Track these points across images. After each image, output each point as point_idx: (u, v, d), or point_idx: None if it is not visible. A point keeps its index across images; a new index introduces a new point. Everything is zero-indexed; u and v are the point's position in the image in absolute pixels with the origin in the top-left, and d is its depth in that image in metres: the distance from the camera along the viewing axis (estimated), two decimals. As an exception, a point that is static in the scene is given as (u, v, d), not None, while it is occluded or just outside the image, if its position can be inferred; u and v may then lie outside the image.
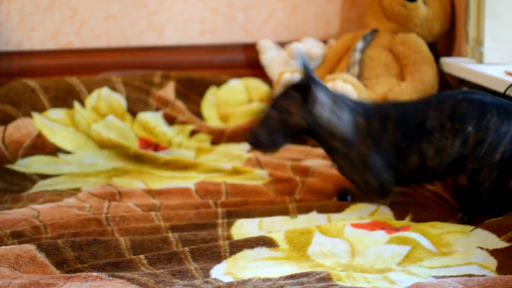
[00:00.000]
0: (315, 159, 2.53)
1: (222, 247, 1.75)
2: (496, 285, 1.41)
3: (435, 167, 2.00)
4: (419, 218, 2.01)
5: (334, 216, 1.99)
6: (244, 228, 1.91)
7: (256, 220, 1.95)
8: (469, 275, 1.58)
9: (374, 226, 1.88)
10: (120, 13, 3.11)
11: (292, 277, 1.57)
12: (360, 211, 2.04)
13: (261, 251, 1.75)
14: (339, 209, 2.04)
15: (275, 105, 2.02)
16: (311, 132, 2.03)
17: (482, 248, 1.72)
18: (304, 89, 2.00)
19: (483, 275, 1.58)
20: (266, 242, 1.78)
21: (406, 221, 1.98)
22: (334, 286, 1.51)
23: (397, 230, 1.84)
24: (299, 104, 2.00)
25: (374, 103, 2.16)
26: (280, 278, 1.57)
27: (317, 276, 1.55)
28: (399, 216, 2.04)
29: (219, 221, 1.94)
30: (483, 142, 1.95)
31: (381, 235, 1.80)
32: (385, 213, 2.05)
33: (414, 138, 1.99)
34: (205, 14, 3.16)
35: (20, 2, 3.05)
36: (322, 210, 2.05)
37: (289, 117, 2.00)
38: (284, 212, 2.05)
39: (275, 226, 1.93)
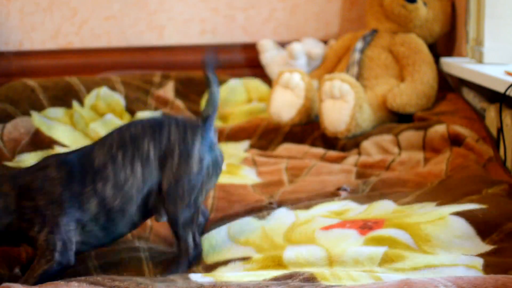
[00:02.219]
0: (313, 159, 2.53)
1: (196, 270, 1.72)
2: (486, 283, 1.39)
3: (122, 206, 1.70)
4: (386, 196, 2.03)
5: (301, 214, 1.95)
6: (213, 240, 1.88)
7: (225, 228, 1.91)
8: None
9: (343, 224, 1.84)
10: (120, 13, 3.11)
11: (276, 278, 1.55)
12: (327, 207, 2.01)
13: (235, 266, 1.71)
14: (307, 207, 2.01)
15: None
16: None
17: (466, 255, 1.69)
18: None
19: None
20: (238, 258, 1.75)
21: (376, 212, 1.95)
22: (320, 285, 1.48)
23: (371, 228, 1.81)
24: None
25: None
26: (263, 280, 1.54)
27: (301, 277, 1.53)
28: (367, 200, 2.04)
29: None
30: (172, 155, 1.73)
31: (355, 238, 1.76)
32: (351, 205, 2.02)
33: (85, 181, 1.69)
34: (205, 14, 3.16)
35: (20, 2, 3.05)
36: (292, 208, 2.02)
37: None
38: (258, 214, 1.99)
39: (243, 229, 1.89)
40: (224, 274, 1.63)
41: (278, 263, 1.70)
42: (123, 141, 1.72)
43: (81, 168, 1.69)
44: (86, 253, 1.77)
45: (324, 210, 1.98)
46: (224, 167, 2.50)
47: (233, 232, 1.89)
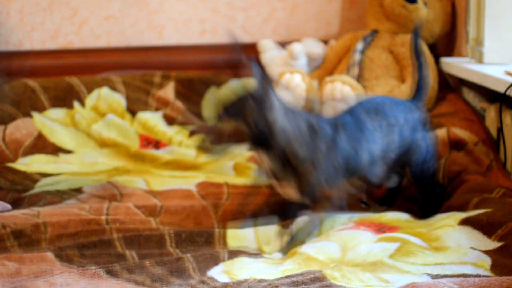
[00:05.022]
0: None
1: (221, 253, 1.76)
2: (491, 286, 1.41)
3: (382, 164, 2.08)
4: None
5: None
6: (239, 237, 1.92)
7: (251, 230, 1.96)
8: (464, 275, 1.57)
9: (357, 226, 1.88)
10: (120, 13, 3.11)
11: (287, 277, 1.57)
12: (350, 214, 2.06)
13: (257, 258, 1.77)
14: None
15: (228, 111, 1.92)
16: (263, 141, 1.92)
17: (475, 249, 1.71)
18: (259, 95, 1.90)
19: (477, 275, 1.57)
20: (261, 255, 1.81)
21: (391, 218, 1.98)
22: (329, 286, 1.50)
23: (384, 232, 1.83)
24: (254, 110, 1.89)
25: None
26: (275, 279, 1.57)
27: (311, 276, 1.55)
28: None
29: (216, 230, 1.94)
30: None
31: (369, 236, 1.80)
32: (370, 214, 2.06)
33: (361, 139, 2.06)
34: (205, 14, 3.16)
35: (20, 2, 3.05)
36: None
37: (243, 123, 1.91)
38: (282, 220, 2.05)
39: (268, 234, 1.93)
40: (241, 271, 1.65)
41: (295, 252, 1.75)
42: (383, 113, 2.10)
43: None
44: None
45: (346, 217, 2.02)
46: (231, 170, 2.52)
47: (258, 230, 1.92)
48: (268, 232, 1.94)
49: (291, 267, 1.67)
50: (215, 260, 1.72)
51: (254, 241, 1.91)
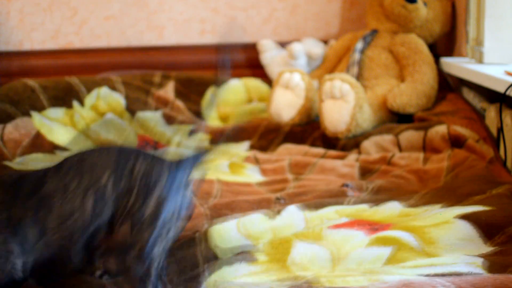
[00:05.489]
0: (315, 158, 2.53)
1: (200, 268, 1.69)
2: (485, 283, 1.40)
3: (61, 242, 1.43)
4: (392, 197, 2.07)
5: (309, 215, 1.96)
6: (222, 231, 1.88)
7: (234, 222, 1.92)
8: (456, 273, 1.56)
9: (352, 224, 1.86)
10: (120, 13, 3.11)
11: (279, 280, 1.55)
12: (336, 207, 2.03)
13: (240, 267, 1.68)
14: (316, 207, 2.02)
15: None
16: None
17: (467, 255, 1.70)
18: None
19: (470, 272, 1.56)
20: (245, 258, 1.73)
21: (383, 214, 1.96)
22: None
23: (376, 230, 1.81)
24: None
25: None
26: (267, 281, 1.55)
27: (304, 280, 1.53)
28: (374, 201, 2.06)
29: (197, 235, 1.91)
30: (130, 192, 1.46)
31: (361, 238, 1.77)
32: (361, 206, 2.03)
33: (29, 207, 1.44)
34: (205, 14, 3.16)
35: (20, 2, 3.05)
36: (301, 207, 2.03)
37: None
38: (267, 212, 2.01)
39: (252, 226, 1.90)
40: (224, 286, 1.61)
41: (283, 265, 1.70)
42: (80, 169, 1.46)
43: (25, 191, 1.44)
44: None
45: (332, 210, 1.99)
46: (226, 168, 2.51)
47: (242, 226, 1.90)
48: (253, 227, 1.91)
49: (276, 284, 1.63)
50: (196, 283, 1.65)
51: (239, 238, 1.87)
